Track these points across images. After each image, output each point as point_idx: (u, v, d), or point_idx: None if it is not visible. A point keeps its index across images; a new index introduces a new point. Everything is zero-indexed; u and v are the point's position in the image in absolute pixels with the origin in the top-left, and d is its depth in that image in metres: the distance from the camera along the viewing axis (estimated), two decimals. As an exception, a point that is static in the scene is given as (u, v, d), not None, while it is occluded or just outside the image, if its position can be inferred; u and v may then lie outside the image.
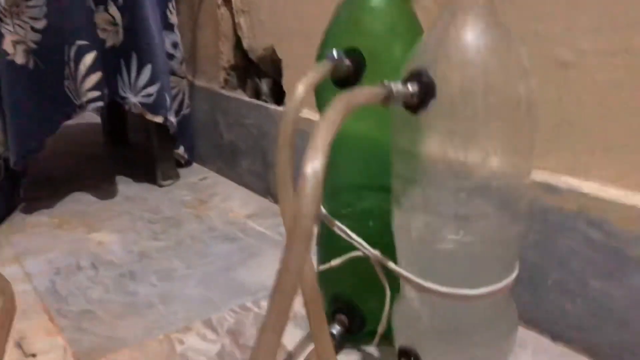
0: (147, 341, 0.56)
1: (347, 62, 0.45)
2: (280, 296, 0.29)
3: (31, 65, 0.87)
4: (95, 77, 0.85)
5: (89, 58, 0.85)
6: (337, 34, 0.50)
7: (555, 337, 0.56)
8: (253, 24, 0.95)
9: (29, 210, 0.93)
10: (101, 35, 0.92)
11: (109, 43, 0.93)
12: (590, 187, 0.52)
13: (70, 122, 1.62)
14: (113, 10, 0.90)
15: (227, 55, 1.03)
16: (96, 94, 0.86)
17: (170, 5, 1.02)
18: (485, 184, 0.41)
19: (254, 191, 1.01)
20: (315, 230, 0.49)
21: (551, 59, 0.53)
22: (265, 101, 0.95)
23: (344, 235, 0.51)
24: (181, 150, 1.13)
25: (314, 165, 0.30)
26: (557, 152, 0.54)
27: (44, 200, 0.97)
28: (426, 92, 0.39)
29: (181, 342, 0.56)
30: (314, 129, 0.32)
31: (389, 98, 0.38)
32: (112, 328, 0.59)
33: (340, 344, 0.56)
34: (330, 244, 0.55)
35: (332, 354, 0.40)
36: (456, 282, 0.43)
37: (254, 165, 0.99)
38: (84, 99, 0.86)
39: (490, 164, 0.41)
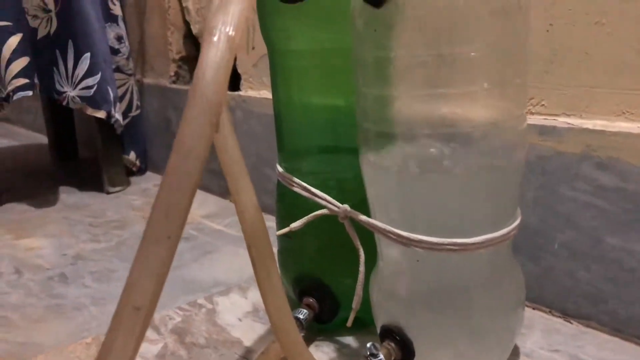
0: (71, 345, 0.45)
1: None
2: (172, 185, 0.19)
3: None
4: (21, 62, 0.75)
5: (13, 40, 0.75)
6: None
7: (568, 314, 0.47)
8: (202, 5, 0.86)
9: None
10: (32, 23, 0.82)
11: (42, 33, 0.83)
12: (594, 124, 0.44)
13: (17, 143, 1.53)
14: (44, -6, 0.81)
15: (176, 46, 0.94)
16: (23, 81, 0.76)
17: (112, -5, 0.93)
18: (471, 131, 0.33)
19: (213, 193, 0.91)
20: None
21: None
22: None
23: (305, 194, 0.41)
24: (132, 156, 1.03)
25: (226, 23, 0.21)
26: (552, 90, 0.46)
27: (-30, 212, 0.85)
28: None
29: (112, 344, 0.45)
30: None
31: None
32: (27, 333, 0.48)
33: (308, 333, 0.46)
34: (290, 210, 0.45)
35: (289, 316, 0.30)
36: (444, 233, 0.34)
37: (211, 163, 0.88)
38: (10, 88, 0.75)
39: (478, 100, 0.33)
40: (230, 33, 0.21)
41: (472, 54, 0.31)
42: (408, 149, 0.34)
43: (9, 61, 0.75)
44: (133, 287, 0.20)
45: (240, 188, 0.29)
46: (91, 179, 1.02)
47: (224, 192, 0.88)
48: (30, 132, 1.63)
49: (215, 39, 0.21)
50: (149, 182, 1.02)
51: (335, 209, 0.39)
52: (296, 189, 0.42)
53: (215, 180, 0.88)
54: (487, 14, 0.31)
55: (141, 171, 1.06)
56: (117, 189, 0.95)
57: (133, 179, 1.03)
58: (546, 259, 0.47)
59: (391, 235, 0.35)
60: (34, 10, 0.81)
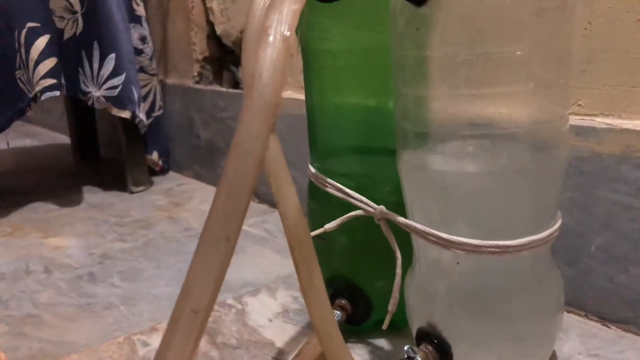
0: (103, 345, 0.45)
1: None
2: (230, 185, 0.19)
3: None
4: (49, 63, 0.76)
5: (41, 41, 0.75)
6: None
7: (606, 318, 0.46)
8: (226, 6, 0.86)
9: (-23, 222, 0.82)
10: (59, 24, 0.82)
11: (68, 34, 0.83)
12: (634, 124, 0.43)
13: (39, 143, 1.54)
14: (71, -5, 0.81)
15: (200, 46, 0.94)
16: (51, 81, 0.76)
17: (136, -4, 0.93)
18: (514, 132, 0.32)
19: (236, 193, 0.91)
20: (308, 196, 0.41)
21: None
22: (243, 89, 0.86)
23: (339, 194, 0.41)
24: (155, 156, 1.03)
25: (281, 22, 0.21)
26: (589, 90, 0.45)
27: (-3, 211, 0.86)
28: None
29: (145, 343, 0.45)
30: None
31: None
32: (59, 332, 0.48)
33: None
34: (322, 211, 0.45)
35: (332, 320, 0.30)
36: (485, 235, 0.34)
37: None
38: (38, 89, 0.76)
39: (522, 100, 0.32)
40: (285, 33, 0.20)
41: (518, 53, 0.31)
42: (449, 150, 0.34)
43: (37, 62, 0.75)
44: (191, 290, 0.20)
45: (282, 190, 0.29)
46: (114, 179, 1.02)
47: (247, 192, 0.88)
48: (51, 132, 1.65)
49: (271, 39, 0.20)
50: (172, 182, 1.02)
51: (371, 210, 0.39)
52: (329, 190, 0.42)
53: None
54: (533, 13, 0.31)
55: (163, 171, 1.07)
56: (141, 188, 0.96)
57: (155, 178, 1.03)
58: (583, 262, 0.46)
59: (431, 237, 0.35)
60: (60, 12, 0.82)
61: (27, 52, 0.75)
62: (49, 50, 0.77)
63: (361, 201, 0.40)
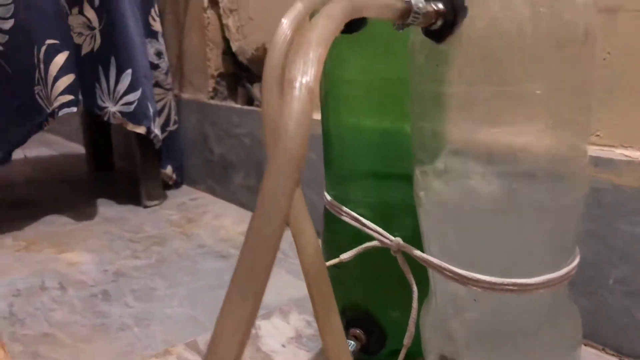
0: (116, 369, 0.46)
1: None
2: (257, 241, 0.19)
3: (-4, 69, 0.78)
4: (67, 79, 0.77)
5: (60, 58, 0.76)
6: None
7: (623, 352, 0.45)
8: (242, 24, 0.87)
9: (-8, 234, 0.83)
10: (77, 40, 0.83)
11: (85, 49, 0.84)
12: (655, 157, 0.42)
13: (54, 152, 1.55)
14: (89, 12, 0.82)
15: (215, 62, 0.95)
16: (68, 97, 0.77)
17: (152, 12, 0.94)
18: (532, 169, 0.32)
19: (249, 208, 0.91)
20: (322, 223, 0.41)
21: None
22: (258, 106, 0.87)
23: (355, 224, 0.41)
24: (169, 170, 1.04)
25: (306, 73, 0.21)
26: (608, 120, 0.45)
27: (12, 223, 0.86)
28: (455, 11, 0.30)
29: (158, 368, 0.46)
30: (306, 28, 0.23)
31: (406, 14, 0.29)
32: (74, 353, 0.48)
33: (355, 364, 0.45)
34: (338, 239, 0.45)
35: (348, 357, 0.30)
36: (503, 272, 0.33)
37: (248, 179, 0.89)
38: (55, 105, 0.76)
39: (541, 138, 0.32)
40: (311, 84, 0.20)
41: (538, 92, 0.31)
42: (467, 185, 0.33)
43: (56, 78, 0.76)
44: (219, 345, 0.20)
45: (300, 226, 0.29)
46: (128, 192, 1.03)
47: (260, 208, 0.88)
48: (66, 142, 1.67)
49: (297, 92, 0.20)
50: (185, 196, 1.02)
51: (388, 242, 0.39)
52: (345, 219, 0.42)
53: (253, 198, 0.88)
54: (554, 51, 0.30)
55: (177, 185, 1.07)
56: (154, 202, 0.96)
57: (169, 192, 1.04)
58: (601, 295, 0.45)
59: (447, 273, 0.34)
60: (79, 28, 0.83)
61: (46, 69, 0.76)
62: (67, 66, 0.77)
63: (377, 232, 0.39)
